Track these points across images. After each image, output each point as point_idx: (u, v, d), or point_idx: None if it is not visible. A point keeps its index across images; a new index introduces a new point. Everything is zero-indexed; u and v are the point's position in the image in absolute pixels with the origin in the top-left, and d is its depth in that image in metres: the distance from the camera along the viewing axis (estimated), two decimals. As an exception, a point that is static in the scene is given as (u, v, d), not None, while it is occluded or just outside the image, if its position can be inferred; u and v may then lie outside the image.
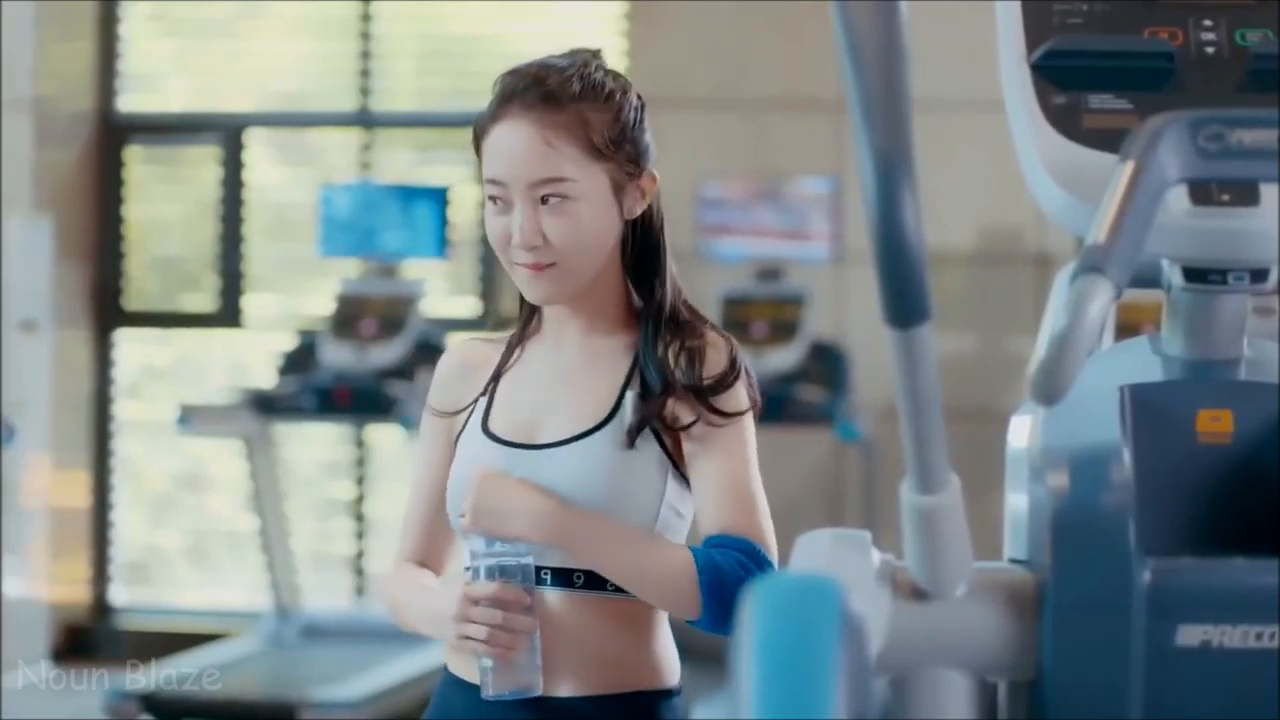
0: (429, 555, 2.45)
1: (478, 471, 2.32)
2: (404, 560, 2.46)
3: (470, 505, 2.30)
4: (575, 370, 2.37)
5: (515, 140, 2.30)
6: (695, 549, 2.27)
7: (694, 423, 2.30)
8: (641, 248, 2.39)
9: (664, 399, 2.30)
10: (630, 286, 2.39)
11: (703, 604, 2.24)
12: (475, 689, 2.31)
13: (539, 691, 2.28)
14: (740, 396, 2.32)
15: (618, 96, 2.33)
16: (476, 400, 2.40)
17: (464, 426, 2.40)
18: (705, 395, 2.30)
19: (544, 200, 2.29)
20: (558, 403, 2.35)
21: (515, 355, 2.42)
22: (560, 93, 2.30)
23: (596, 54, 2.38)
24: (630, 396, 2.32)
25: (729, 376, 2.31)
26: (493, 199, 2.33)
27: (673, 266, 2.40)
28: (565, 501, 2.28)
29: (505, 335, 2.45)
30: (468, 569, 2.32)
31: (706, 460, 2.30)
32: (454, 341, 2.52)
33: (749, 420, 2.33)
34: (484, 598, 2.26)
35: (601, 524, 2.27)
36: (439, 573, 2.45)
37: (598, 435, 2.31)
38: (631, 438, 2.30)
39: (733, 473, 2.30)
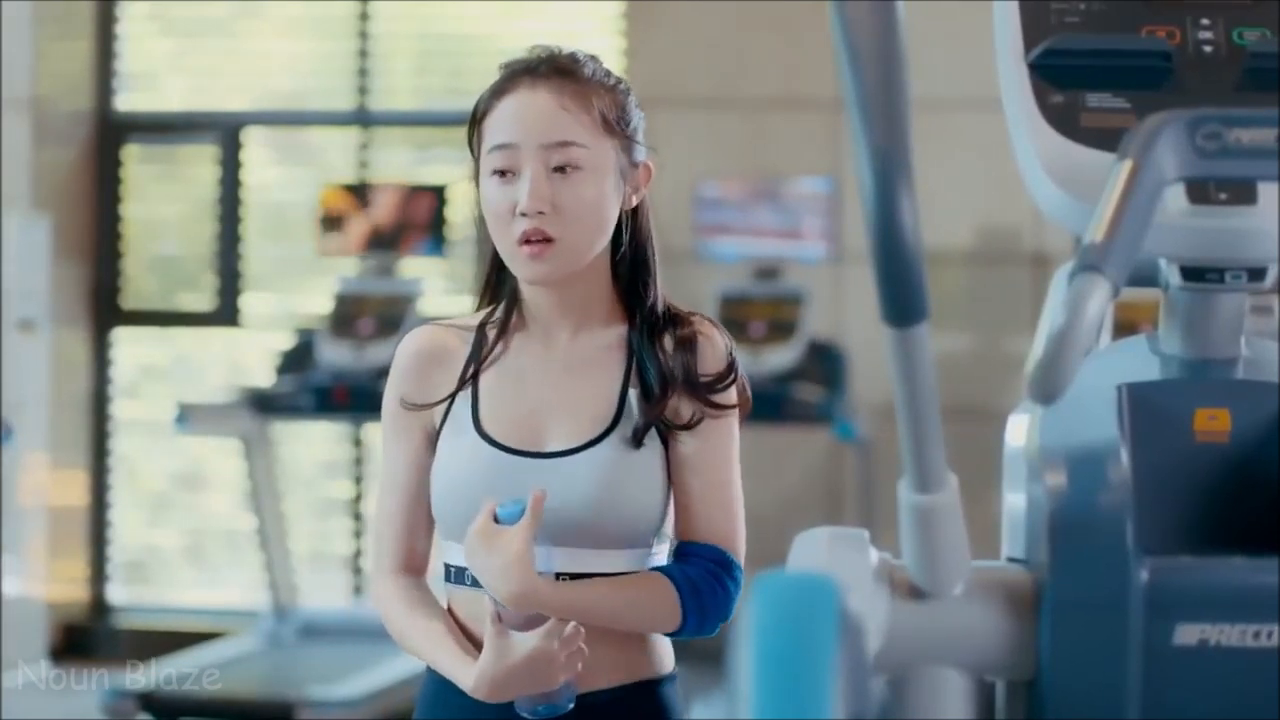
0: (412, 558, 2.39)
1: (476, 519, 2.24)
2: (391, 571, 2.38)
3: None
4: (569, 370, 2.35)
5: (530, 104, 2.31)
6: (672, 571, 2.28)
7: (696, 418, 2.31)
8: (633, 243, 2.38)
9: (665, 398, 2.31)
10: (616, 284, 2.38)
11: (683, 622, 2.28)
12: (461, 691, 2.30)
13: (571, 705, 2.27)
14: (733, 391, 2.34)
15: (621, 86, 2.38)
16: (454, 393, 2.35)
17: (444, 420, 2.35)
18: (703, 391, 2.31)
19: (556, 169, 2.30)
20: (557, 406, 2.33)
21: (498, 349, 2.37)
22: (573, 68, 2.34)
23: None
24: (634, 396, 2.32)
25: (728, 375, 2.33)
26: (496, 171, 2.31)
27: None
28: (536, 580, 2.20)
29: (469, 323, 2.41)
30: (449, 567, 2.32)
31: (697, 460, 2.31)
32: (414, 330, 2.45)
33: (736, 416, 2.35)
34: (557, 631, 2.22)
35: (575, 593, 2.24)
36: (423, 572, 2.40)
37: (606, 442, 2.30)
38: (639, 439, 2.30)
39: (719, 478, 2.32)
